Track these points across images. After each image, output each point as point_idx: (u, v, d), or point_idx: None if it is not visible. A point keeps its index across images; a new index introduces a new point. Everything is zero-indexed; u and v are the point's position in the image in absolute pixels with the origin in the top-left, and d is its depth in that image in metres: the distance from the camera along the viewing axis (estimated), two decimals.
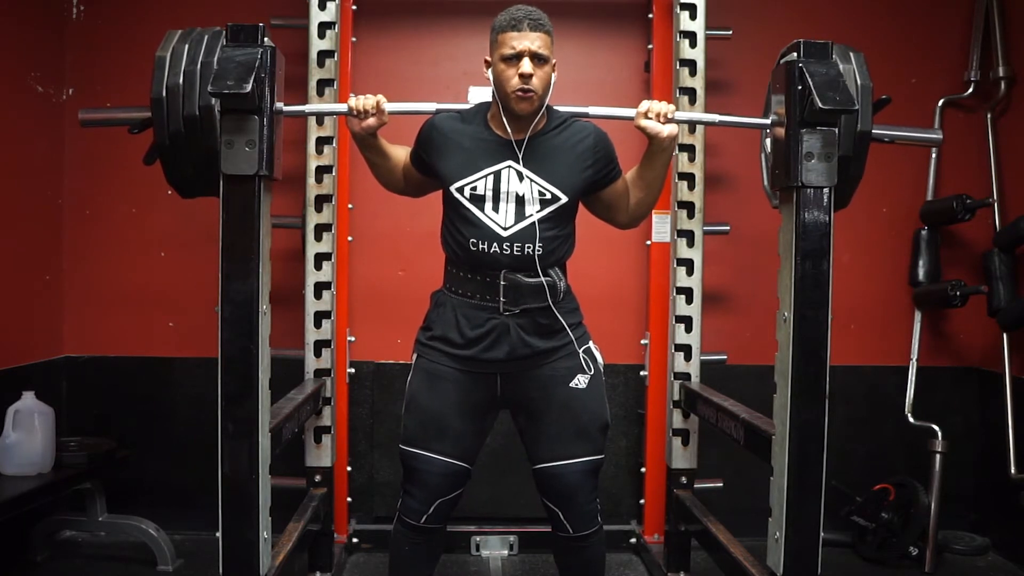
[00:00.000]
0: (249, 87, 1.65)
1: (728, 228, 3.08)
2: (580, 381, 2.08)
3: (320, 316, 2.91)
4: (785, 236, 1.87)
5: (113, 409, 3.23)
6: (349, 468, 3.09)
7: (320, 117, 2.88)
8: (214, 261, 1.78)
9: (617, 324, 3.27)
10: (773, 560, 1.90)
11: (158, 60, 1.78)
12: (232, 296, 1.75)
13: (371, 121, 2.01)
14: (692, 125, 2.94)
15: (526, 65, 1.94)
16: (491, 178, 2.01)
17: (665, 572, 2.86)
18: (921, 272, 3.25)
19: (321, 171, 2.89)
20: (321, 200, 2.90)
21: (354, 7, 3.06)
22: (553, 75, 2.02)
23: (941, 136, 2.11)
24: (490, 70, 2.02)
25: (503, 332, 2.03)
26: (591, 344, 2.14)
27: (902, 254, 3.32)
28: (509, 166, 2.01)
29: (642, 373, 3.15)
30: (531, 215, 2.00)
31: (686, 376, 2.93)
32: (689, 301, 2.93)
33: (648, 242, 3.12)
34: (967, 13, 3.32)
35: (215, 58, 1.76)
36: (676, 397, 2.92)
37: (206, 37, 1.80)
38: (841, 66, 1.85)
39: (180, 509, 3.10)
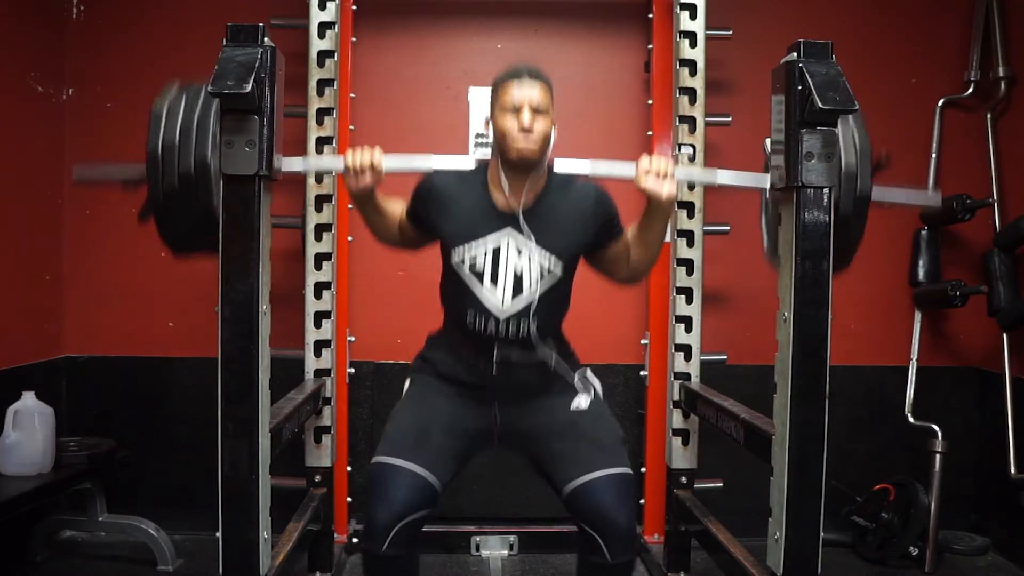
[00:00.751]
0: (249, 87, 1.65)
1: (728, 228, 3.08)
2: (581, 402, 2.08)
3: (320, 316, 2.91)
4: (785, 236, 1.87)
5: (113, 409, 3.23)
6: (349, 468, 3.09)
7: (320, 116, 2.88)
8: (214, 261, 1.78)
9: (617, 324, 3.27)
10: (773, 560, 1.90)
11: (154, 114, 1.76)
12: (232, 296, 1.74)
13: (368, 180, 1.97)
14: (692, 124, 2.94)
15: (526, 116, 1.92)
16: (491, 253, 2.01)
17: (665, 572, 2.86)
18: (921, 272, 3.25)
19: (321, 171, 2.89)
20: (321, 200, 2.90)
21: (354, 7, 3.06)
22: (553, 130, 2.00)
23: (940, 200, 2.10)
24: (490, 126, 2.01)
25: (500, 383, 2.06)
26: (587, 371, 2.14)
27: (902, 254, 3.32)
28: (509, 239, 2.01)
29: (642, 373, 3.15)
30: (529, 291, 2.01)
31: (686, 376, 2.93)
32: (689, 301, 2.93)
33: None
34: (967, 13, 3.32)
35: (212, 114, 1.75)
36: (676, 397, 2.92)
37: (204, 91, 1.78)
38: (840, 127, 1.85)
39: (180, 509, 3.09)
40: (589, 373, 2.14)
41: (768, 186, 1.96)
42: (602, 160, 2.02)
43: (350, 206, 3.03)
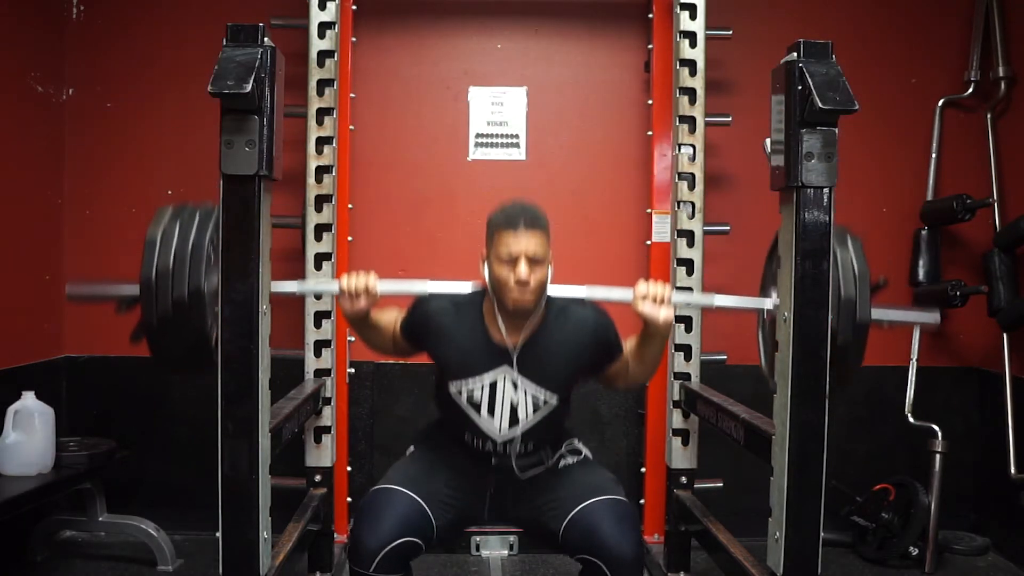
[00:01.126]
0: (249, 87, 1.65)
1: (728, 228, 3.08)
2: (568, 461, 2.14)
3: (320, 316, 2.91)
4: (785, 236, 1.87)
5: (113, 409, 3.23)
6: (349, 468, 3.09)
7: (320, 116, 2.88)
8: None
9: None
10: (773, 560, 1.90)
11: (148, 241, 1.76)
12: (232, 296, 1.74)
13: (363, 303, 1.99)
14: (692, 124, 2.94)
15: (522, 270, 1.90)
16: (487, 387, 2.03)
17: (665, 572, 2.86)
18: (921, 272, 3.25)
19: (321, 171, 2.89)
20: (321, 200, 2.90)
21: (354, 7, 3.06)
22: (550, 271, 1.99)
23: (938, 318, 2.10)
24: (485, 265, 2.00)
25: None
26: (574, 440, 2.19)
27: (902, 254, 3.31)
28: (505, 375, 2.02)
29: None
30: (525, 421, 2.04)
31: (686, 376, 2.93)
32: None
33: (648, 242, 3.12)
34: (967, 13, 3.32)
35: (206, 239, 1.76)
36: (676, 397, 2.92)
37: (197, 216, 1.79)
38: (839, 252, 1.87)
39: (180, 509, 3.09)
40: (577, 443, 2.19)
41: (766, 308, 1.99)
42: (598, 286, 2.03)
43: (350, 206, 3.04)
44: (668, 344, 2.97)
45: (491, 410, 2.03)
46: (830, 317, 1.81)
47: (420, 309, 2.09)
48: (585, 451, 2.20)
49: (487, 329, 2.03)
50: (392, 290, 2.04)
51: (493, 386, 2.03)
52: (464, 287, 2.07)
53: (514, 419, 2.04)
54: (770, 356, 2.00)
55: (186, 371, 1.88)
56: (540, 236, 1.93)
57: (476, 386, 2.03)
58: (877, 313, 1.92)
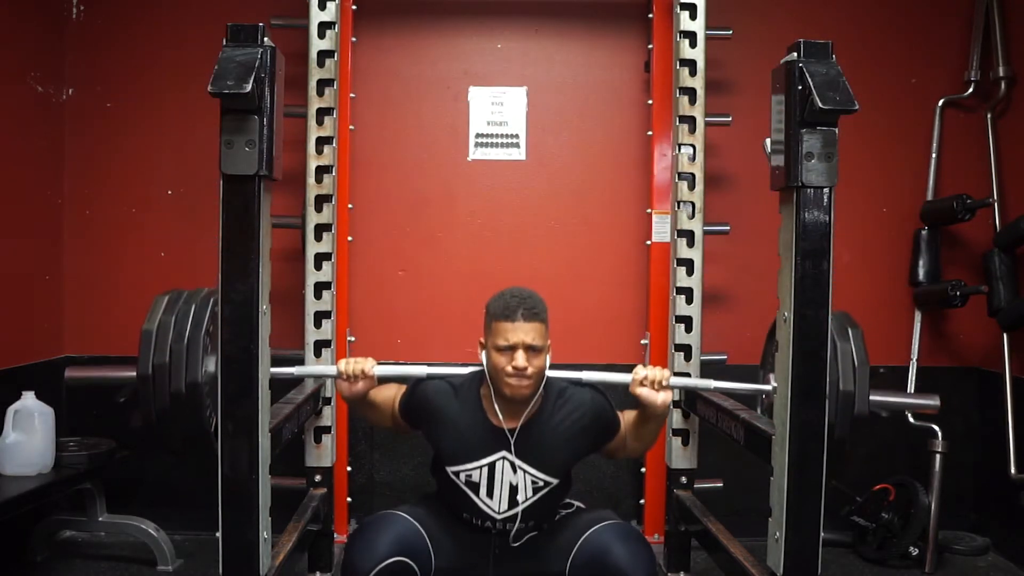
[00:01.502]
0: (249, 87, 1.65)
1: (728, 228, 3.08)
2: (563, 512, 2.17)
3: (320, 316, 2.91)
4: (785, 236, 1.87)
5: (113, 409, 3.22)
6: (349, 468, 3.09)
7: (320, 116, 2.88)
8: (214, 261, 1.78)
9: (617, 324, 3.27)
10: (773, 560, 1.90)
11: (144, 335, 1.79)
12: (232, 296, 1.74)
13: (360, 387, 2.03)
14: (692, 124, 2.94)
15: (520, 359, 1.93)
16: (486, 470, 2.04)
17: (665, 572, 2.86)
18: (921, 272, 3.25)
19: (321, 171, 2.89)
20: (321, 200, 2.90)
21: (354, 7, 3.06)
22: (548, 358, 2.01)
23: (938, 403, 2.11)
24: (483, 352, 2.02)
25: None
26: (567, 500, 2.22)
27: (902, 254, 3.31)
28: (504, 457, 2.04)
29: None
30: (523, 502, 2.06)
31: (686, 376, 2.92)
32: (689, 301, 2.93)
33: (648, 242, 3.12)
34: (967, 13, 3.32)
35: (201, 332, 1.78)
36: (676, 397, 2.92)
37: (193, 307, 1.82)
38: (839, 344, 1.88)
39: (180, 509, 3.09)
40: (571, 500, 2.23)
41: (766, 389, 1.99)
42: (595, 372, 2.06)
43: (350, 206, 3.04)
44: (668, 341, 2.98)
45: (490, 492, 2.05)
46: (827, 409, 1.81)
47: (419, 391, 2.11)
48: (578, 504, 2.23)
49: (485, 413, 2.05)
50: (389, 374, 2.07)
51: (492, 468, 2.04)
52: (462, 371, 2.11)
53: (513, 500, 2.06)
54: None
55: (186, 456, 1.89)
56: (538, 326, 1.96)
57: (474, 470, 2.05)
58: (877, 399, 1.93)
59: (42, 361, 3.10)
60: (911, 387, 3.25)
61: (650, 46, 3.14)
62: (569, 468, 2.12)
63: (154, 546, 2.90)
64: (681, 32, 2.93)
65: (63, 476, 2.69)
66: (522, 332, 1.93)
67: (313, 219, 2.89)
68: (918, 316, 3.31)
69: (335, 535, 2.99)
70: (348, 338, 3.06)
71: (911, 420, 3.21)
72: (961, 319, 3.33)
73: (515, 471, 2.03)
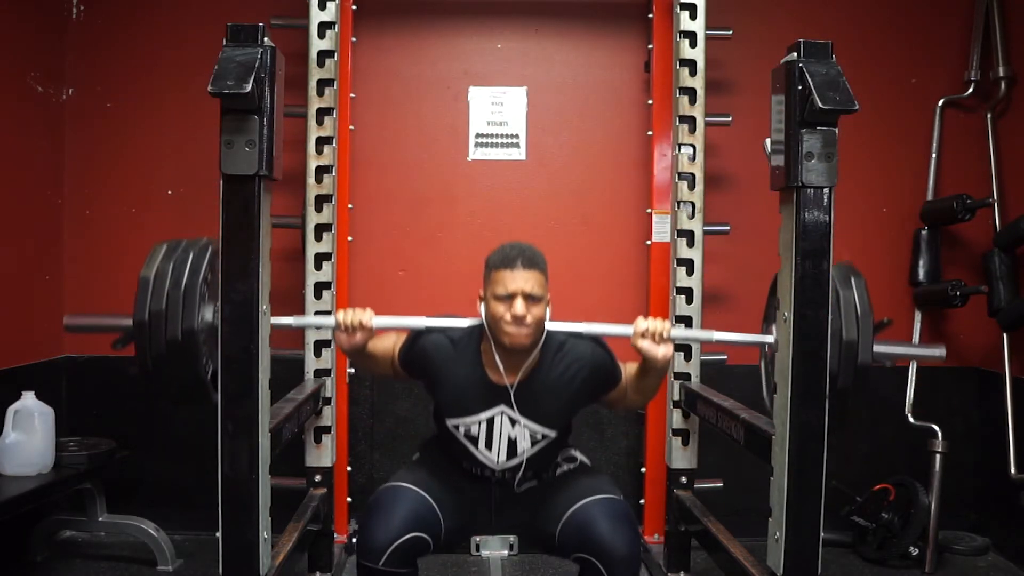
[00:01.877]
0: (249, 87, 1.65)
1: (728, 228, 3.08)
2: (564, 468, 2.17)
3: (320, 316, 2.91)
4: (785, 236, 1.87)
5: (113, 409, 3.23)
6: (349, 468, 3.09)
7: (320, 116, 2.88)
8: None
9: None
10: (773, 560, 1.90)
11: (141, 281, 1.77)
12: (232, 296, 1.74)
13: (359, 338, 2.02)
14: (692, 124, 2.94)
15: (518, 306, 1.92)
16: (484, 423, 2.05)
17: (665, 572, 2.86)
18: (921, 272, 3.25)
19: (321, 171, 2.89)
20: (321, 200, 2.90)
21: (354, 7, 3.06)
22: (547, 311, 2.00)
23: (944, 353, 2.08)
24: (482, 305, 2.01)
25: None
26: (572, 450, 2.22)
27: (902, 254, 3.31)
28: (502, 412, 2.04)
29: None
30: (522, 454, 2.07)
31: (686, 376, 2.93)
32: (689, 301, 2.93)
33: (648, 242, 3.12)
34: (967, 13, 3.32)
35: (199, 279, 1.76)
36: (676, 397, 2.92)
37: (191, 254, 1.80)
38: (841, 292, 1.86)
39: (180, 509, 3.09)
40: (573, 451, 2.22)
41: (768, 340, 1.99)
42: (596, 323, 2.04)
43: (350, 206, 3.04)
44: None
45: (488, 445, 2.06)
46: (830, 359, 1.80)
47: (418, 343, 2.10)
48: (581, 457, 2.22)
49: (484, 368, 2.04)
50: (388, 324, 2.06)
51: (490, 423, 2.04)
52: (461, 322, 2.08)
53: (512, 452, 2.06)
54: (771, 393, 1.98)
55: (182, 405, 1.88)
56: (537, 275, 1.95)
57: (473, 424, 2.05)
58: (880, 349, 1.90)
59: (42, 361, 3.10)
60: (911, 387, 3.25)
61: (650, 46, 3.14)
62: (568, 420, 2.12)
63: (154, 546, 2.90)
64: (681, 32, 2.93)
65: (63, 476, 2.69)
66: (521, 280, 1.92)
67: (313, 219, 2.89)
68: (918, 316, 3.31)
69: (335, 535, 3.00)
70: None
71: (911, 420, 3.21)
72: (961, 319, 3.33)
73: (514, 425, 2.04)
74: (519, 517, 2.14)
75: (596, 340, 2.08)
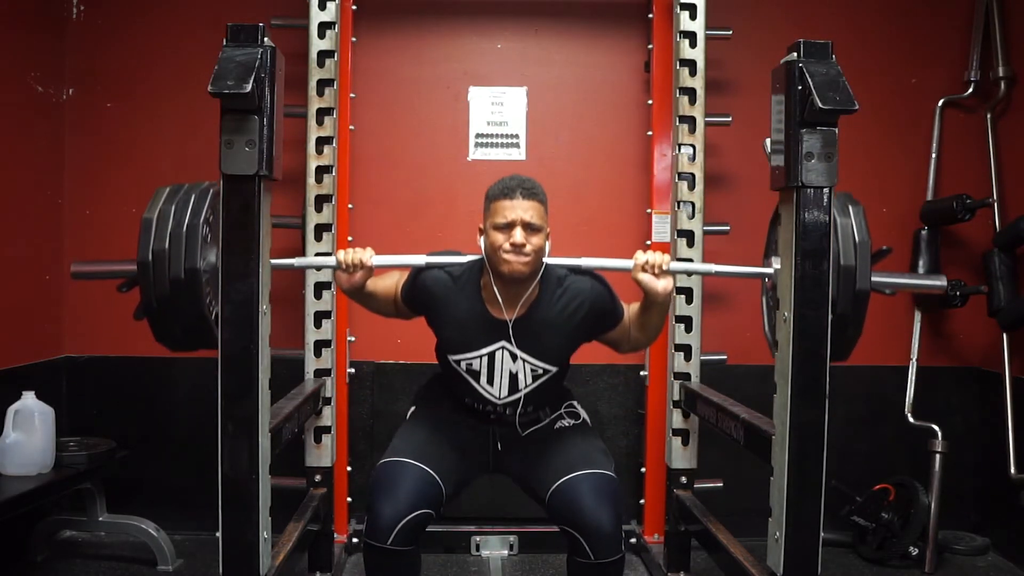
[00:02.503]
0: (249, 87, 1.65)
1: (728, 228, 3.08)
2: (565, 423, 2.17)
3: (320, 316, 2.91)
4: (785, 236, 1.87)
5: (113, 409, 3.23)
6: (349, 468, 3.09)
7: (320, 116, 2.88)
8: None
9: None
10: (773, 560, 1.90)
11: (144, 223, 1.78)
12: (232, 296, 1.74)
13: (358, 277, 2.03)
14: (692, 124, 2.94)
15: (518, 235, 1.93)
16: (486, 359, 2.06)
17: (665, 572, 2.86)
18: (921, 272, 3.25)
19: (321, 171, 2.89)
20: (321, 200, 2.90)
21: (354, 7, 3.06)
22: (547, 244, 2.01)
23: (945, 283, 2.08)
24: (482, 238, 2.02)
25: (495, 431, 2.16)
26: (573, 402, 2.23)
27: (902, 254, 3.31)
28: (503, 347, 2.05)
29: (642, 373, 3.15)
30: (523, 388, 2.08)
31: (686, 376, 2.93)
32: (689, 301, 2.93)
33: (648, 242, 3.12)
34: (967, 13, 3.32)
35: (200, 219, 1.78)
36: (676, 397, 2.92)
37: (193, 196, 1.81)
38: (839, 220, 1.86)
39: (180, 509, 3.10)
40: (576, 406, 2.23)
41: (768, 272, 1.99)
42: (596, 258, 2.06)
43: (350, 206, 3.04)
44: (668, 341, 2.98)
45: (490, 379, 2.07)
46: (829, 284, 1.79)
47: (419, 281, 2.10)
48: (583, 415, 2.22)
49: (484, 304, 2.05)
50: (387, 263, 2.06)
51: (491, 358, 2.05)
52: (461, 259, 2.09)
53: (513, 387, 2.08)
54: (772, 319, 2.01)
55: (187, 348, 1.89)
56: (537, 205, 1.96)
57: (475, 359, 2.06)
58: (879, 279, 1.91)
59: (42, 361, 3.10)
60: (911, 387, 3.25)
61: (650, 46, 3.14)
62: (568, 356, 2.12)
63: (154, 546, 2.90)
64: (681, 32, 2.93)
65: (63, 476, 2.69)
66: (520, 209, 1.94)
67: (313, 219, 2.89)
68: (918, 316, 3.31)
69: (335, 535, 3.00)
70: (348, 338, 3.06)
71: (911, 420, 3.21)
72: (961, 319, 3.34)
73: (514, 360, 2.05)
74: (517, 467, 2.15)
75: (596, 277, 2.09)
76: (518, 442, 2.16)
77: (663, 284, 1.95)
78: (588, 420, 2.25)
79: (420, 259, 2.07)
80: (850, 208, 1.91)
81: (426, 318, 2.15)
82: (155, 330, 1.84)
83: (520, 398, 2.10)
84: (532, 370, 2.07)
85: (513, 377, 2.07)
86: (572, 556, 2.01)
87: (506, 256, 1.94)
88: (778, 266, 1.90)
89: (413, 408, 2.27)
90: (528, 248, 1.94)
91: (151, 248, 1.77)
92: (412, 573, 2.04)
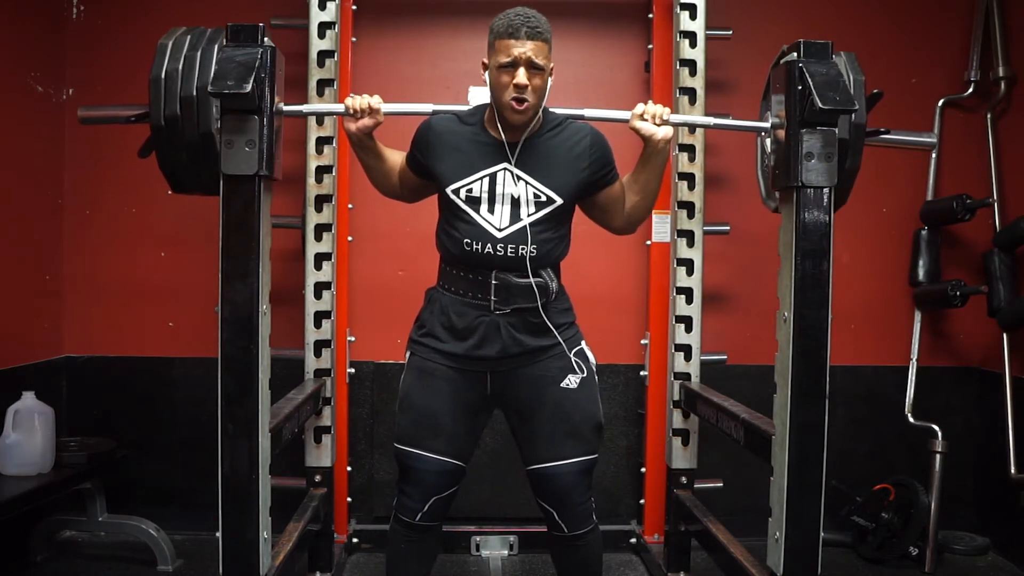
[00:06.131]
0: (249, 87, 1.65)
1: (728, 228, 3.08)
2: (571, 381, 2.09)
3: (320, 316, 2.91)
4: (785, 236, 1.87)
5: (113, 409, 3.23)
6: (349, 468, 3.09)
7: (320, 117, 2.88)
8: (214, 260, 1.78)
9: (617, 324, 3.27)
10: (773, 560, 1.90)
11: (160, 47, 1.80)
12: (232, 296, 1.75)
13: (367, 121, 2.02)
14: (692, 126, 2.94)
15: (521, 75, 1.93)
16: (487, 180, 2.03)
17: (665, 572, 2.86)
18: (921, 272, 3.25)
19: (321, 171, 2.89)
20: (321, 200, 2.90)
21: (354, 7, 3.06)
22: (550, 80, 2.02)
23: (935, 140, 2.09)
24: (487, 73, 2.02)
25: (493, 330, 2.04)
26: (583, 345, 2.14)
27: (902, 254, 3.32)
28: (505, 168, 2.03)
29: (642, 373, 3.15)
30: (525, 217, 2.02)
31: (686, 376, 2.93)
32: (689, 301, 2.93)
33: (648, 242, 3.12)
34: (967, 13, 3.32)
35: (216, 47, 1.78)
36: (676, 397, 2.92)
37: (208, 31, 1.83)
38: (832, 58, 1.85)
39: (180, 509, 3.10)
40: (586, 348, 2.15)
41: (764, 126, 1.97)
42: (596, 108, 2.09)
43: (350, 206, 3.04)
44: (668, 341, 2.98)
45: (491, 207, 2.02)
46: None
47: (423, 126, 2.13)
48: (591, 360, 2.14)
49: (488, 131, 2.06)
50: (397, 110, 2.06)
51: (492, 179, 2.03)
52: (468, 107, 2.12)
53: (515, 213, 2.02)
54: (767, 181, 2.03)
55: (190, 186, 1.88)
56: (541, 44, 1.97)
57: (475, 183, 2.03)
58: (872, 128, 1.92)
59: (42, 361, 3.10)
60: (911, 387, 3.25)
61: (650, 46, 3.14)
62: (571, 191, 2.07)
63: (154, 546, 2.90)
64: (681, 32, 2.93)
65: (63, 476, 2.69)
66: (525, 48, 1.94)
67: (313, 219, 2.90)
68: (918, 316, 3.31)
69: (335, 535, 3.00)
70: (348, 338, 3.06)
71: (911, 420, 3.21)
72: (961, 319, 3.34)
73: (516, 182, 2.03)
74: (514, 400, 2.10)
75: (595, 127, 2.12)
76: (513, 386, 2.08)
77: (662, 132, 1.96)
78: (594, 364, 2.15)
79: (427, 107, 2.08)
80: (843, 53, 1.92)
81: (431, 168, 2.09)
82: (160, 156, 1.83)
83: (523, 231, 2.01)
84: (535, 195, 2.02)
85: (515, 202, 2.02)
86: (550, 529, 2.12)
87: (509, 97, 1.95)
88: (775, 120, 1.90)
89: (409, 355, 2.17)
90: (531, 88, 1.95)
91: (164, 68, 1.78)
92: (435, 545, 2.19)
